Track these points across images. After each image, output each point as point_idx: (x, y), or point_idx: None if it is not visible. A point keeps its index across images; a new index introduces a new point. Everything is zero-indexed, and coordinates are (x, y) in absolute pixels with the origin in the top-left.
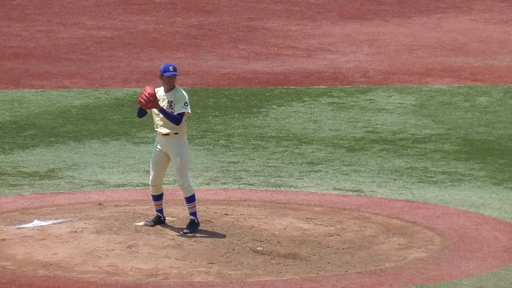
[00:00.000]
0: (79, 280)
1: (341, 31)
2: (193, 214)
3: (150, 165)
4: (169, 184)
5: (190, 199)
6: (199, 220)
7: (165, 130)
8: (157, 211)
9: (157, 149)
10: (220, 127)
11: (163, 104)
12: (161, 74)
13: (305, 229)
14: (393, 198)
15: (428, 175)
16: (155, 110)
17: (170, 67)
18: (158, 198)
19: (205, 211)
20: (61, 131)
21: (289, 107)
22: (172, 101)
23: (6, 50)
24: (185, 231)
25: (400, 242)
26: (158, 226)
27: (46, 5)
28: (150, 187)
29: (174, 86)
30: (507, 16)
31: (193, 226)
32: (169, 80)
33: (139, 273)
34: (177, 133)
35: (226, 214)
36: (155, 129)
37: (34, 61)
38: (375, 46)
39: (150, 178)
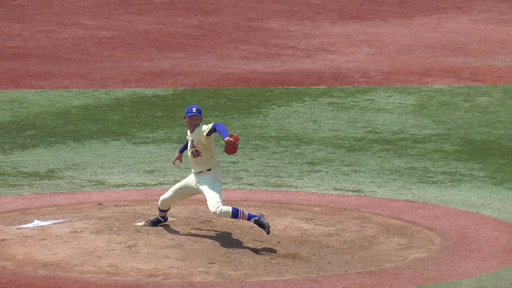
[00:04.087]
0: (79, 280)
1: (341, 31)
2: (251, 219)
3: (173, 187)
4: (169, 184)
5: (235, 216)
6: (256, 218)
7: (198, 169)
8: (161, 217)
9: (190, 181)
10: None
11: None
12: (185, 115)
13: (305, 229)
14: (393, 198)
15: (428, 175)
16: (188, 152)
17: (193, 108)
18: (165, 211)
19: (205, 211)
20: (61, 131)
21: (289, 107)
22: (193, 140)
23: (6, 50)
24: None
25: (400, 242)
26: (157, 226)
27: (46, 5)
28: (160, 201)
29: (198, 125)
30: (507, 16)
31: (261, 225)
32: (190, 120)
33: (139, 273)
34: (209, 170)
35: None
36: (191, 168)
37: (34, 61)
38: (375, 46)
39: (165, 197)
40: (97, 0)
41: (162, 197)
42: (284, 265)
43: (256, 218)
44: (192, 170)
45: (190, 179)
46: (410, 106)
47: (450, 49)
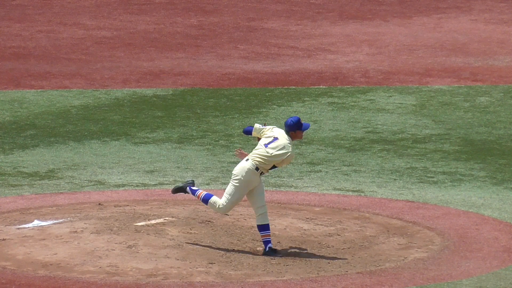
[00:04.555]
0: (79, 280)
1: (341, 31)
2: (267, 244)
3: (235, 198)
4: (169, 184)
5: (264, 229)
6: (271, 245)
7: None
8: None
9: (249, 187)
10: (220, 127)
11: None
12: (298, 129)
13: (305, 229)
14: (393, 198)
15: (428, 175)
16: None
17: (308, 125)
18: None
19: (205, 211)
20: (61, 131)
21: (289, 107)
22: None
23: (6, 50)
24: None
25: (400, 242)
26: (157, 226)
27: (46, 5)
28: (218, 209)
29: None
30: (507, 16)
31: (268, 254)
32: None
33: (139, 273)
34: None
35: (226, 214)
36: (266, 170)
37: (34, 61)
38: (375, 46)
39: (228, 207)
40: (97, 0)
41: (224, 210)
42: (284, 265)
43: (268, 249)
44: (264, 171)
45: (253, 180)
46: (410, 106)
47: (450, 49)
